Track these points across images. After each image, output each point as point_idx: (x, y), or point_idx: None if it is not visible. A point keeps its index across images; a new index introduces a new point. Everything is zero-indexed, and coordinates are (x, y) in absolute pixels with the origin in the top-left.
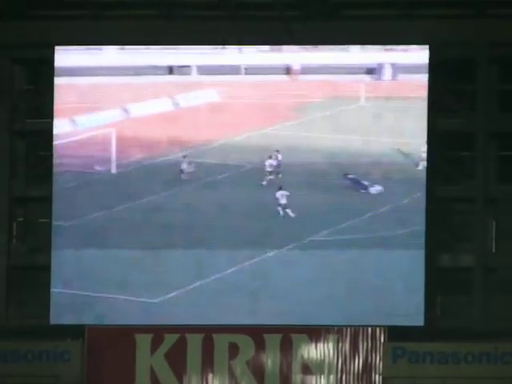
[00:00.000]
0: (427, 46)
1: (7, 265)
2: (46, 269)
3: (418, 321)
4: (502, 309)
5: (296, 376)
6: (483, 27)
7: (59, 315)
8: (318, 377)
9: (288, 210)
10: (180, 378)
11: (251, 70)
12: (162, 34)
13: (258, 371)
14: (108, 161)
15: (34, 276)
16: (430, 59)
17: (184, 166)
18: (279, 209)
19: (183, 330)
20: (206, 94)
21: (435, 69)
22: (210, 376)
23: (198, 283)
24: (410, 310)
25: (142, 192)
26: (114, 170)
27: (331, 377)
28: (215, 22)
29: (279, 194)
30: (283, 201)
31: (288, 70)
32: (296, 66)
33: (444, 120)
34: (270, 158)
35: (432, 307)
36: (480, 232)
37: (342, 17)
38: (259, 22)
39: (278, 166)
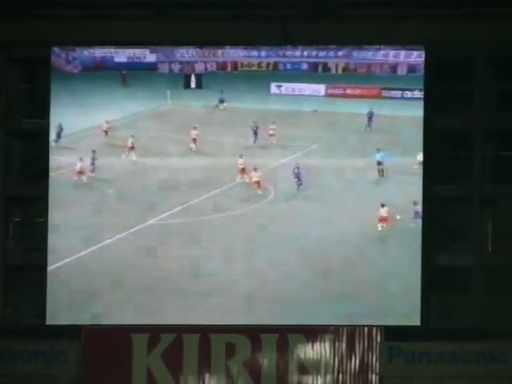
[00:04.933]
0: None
1: (4, 264)
2: (43, 268)
3: (415, 320)
4: (499, 308)
5: (293, 376)
6: (479, 27)
7: (55, 315)
8: (315, 376)
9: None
10: (177, 378)
11: None
12: (158, 34)
13: (255, 371)
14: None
15: (30, 276)
16: (426, 59)
17: None
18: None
19: (180, 329)
20: None
21: (431, 68)
22: (207, 376)
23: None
24: (407, 309)
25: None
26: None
27: (328, 376)
28: (210, 23)
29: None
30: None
31: None
32: None
33: (440, 119)
34: None
35: (428, 307)
36: (477, 231)
37: (338, 17)
38: (256, 21)
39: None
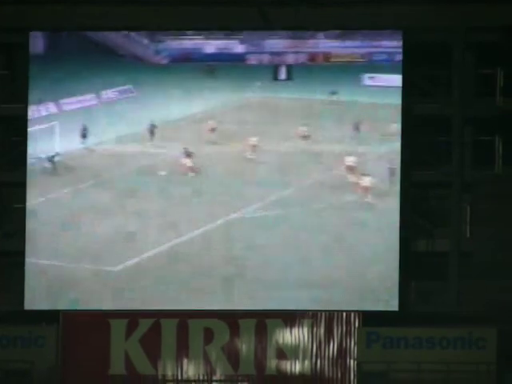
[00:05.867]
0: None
1: None
2: (21, 254)
3: (393, 306)
4: (477, 294)
5: (271, 361)
6: (458, 12)
7: (34, 300)
8: (293, 362)
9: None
10: (154, 363)
11: None
12: (136, 19)
13: (233, 356)
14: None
15: (8, 261)
16: (405, 44)
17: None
18: None
19: (158, 314)
20: None
21: (410, 54)
22: (185, 361)
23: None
24: (385, 294)
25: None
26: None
27: (306, 362)
28: (188, 7)
29: None
30: None
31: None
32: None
33: (419, 105)
34: None
35: (407, 292)
36: (455, 217)
37: (316, 2)
38: (234, 6)
39: None
